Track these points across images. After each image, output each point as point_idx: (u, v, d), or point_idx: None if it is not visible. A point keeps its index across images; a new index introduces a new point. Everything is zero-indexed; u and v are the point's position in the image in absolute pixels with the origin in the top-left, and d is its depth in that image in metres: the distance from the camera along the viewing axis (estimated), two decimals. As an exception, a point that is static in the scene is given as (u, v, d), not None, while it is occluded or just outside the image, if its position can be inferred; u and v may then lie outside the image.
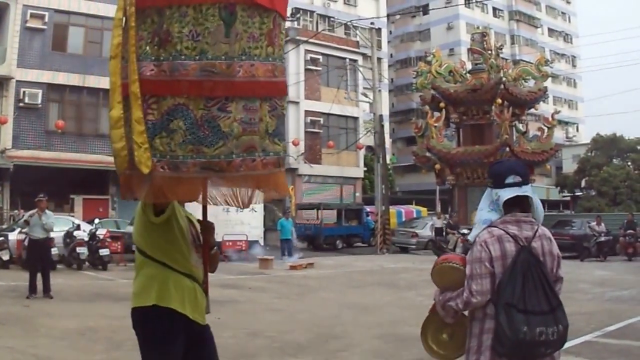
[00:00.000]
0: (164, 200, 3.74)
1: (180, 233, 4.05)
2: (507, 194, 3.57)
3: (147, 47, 3.41)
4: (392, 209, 36.47)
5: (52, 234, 20.86)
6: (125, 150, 3.36)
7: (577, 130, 75.86)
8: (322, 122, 42.10)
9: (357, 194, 44.13)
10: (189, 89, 3.37)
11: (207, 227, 4.24)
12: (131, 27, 3.41)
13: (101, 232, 22.01)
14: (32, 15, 31.12)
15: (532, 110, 35.05)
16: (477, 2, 63.61)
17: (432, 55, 32.92)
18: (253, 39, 3.50)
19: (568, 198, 56.60)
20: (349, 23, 42.82)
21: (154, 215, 3.90)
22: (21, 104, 30.64)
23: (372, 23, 39.45)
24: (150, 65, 3.38)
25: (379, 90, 38.26)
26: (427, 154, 31.41)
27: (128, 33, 3.41)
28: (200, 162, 3.40)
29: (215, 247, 4.39)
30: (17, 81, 30.61)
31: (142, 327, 4.04)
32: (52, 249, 19.36)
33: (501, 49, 33.30)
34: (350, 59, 43.15)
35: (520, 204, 3.58)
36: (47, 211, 14.70)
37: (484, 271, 3.47)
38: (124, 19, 3.46)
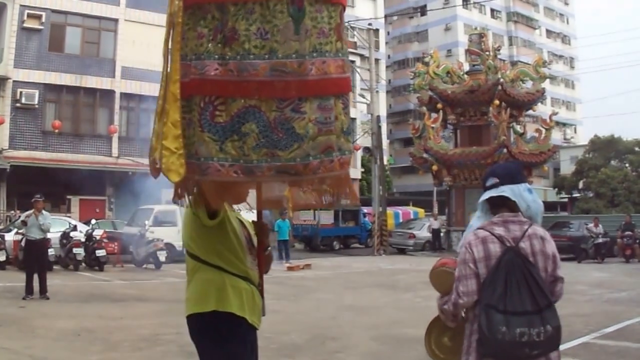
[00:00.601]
0: (218, 205, 3.69)
1: (234, 235, 3.94)
2: (484, 196, 3.66)
3: (210, 45, 3.27)
4: (389, 210, 36.49)
5: (48, 235, 21.06)
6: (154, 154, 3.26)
7: (575, 131, 75.92)
8: (319, 122, 41.97)
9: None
10: (259, 90, 3.24)
11: (263, 227, 4.17)
12: (177, 23, 3.28)
13: (98, 233, 22.02)
14: (29, 16, 31.03)
15: (530, 112, 35.14)
16: (475, 3, 63.58)
17: (429, 56, 33.02)
18: (323, 34, 3.37)
19: (565, 199, 56.62)
20: (346, 24, 42.67)
21: (208, 218, 3.78)
22: (18, 105, 30.57)
23: (369, 24, 39.58)
24: (214, 64, 3.24)
25: (377, 91, 38.24)
26: (425, 155, 31.51)
27: (174, 29, 3.29)
28: (276, 165, 3.27)
29: (269, 248, 4.33)
30: (13, 81, 30.54)
31: (202, 334, 3.92)
32: (49, 250, 19.44)
33: (499, 50, 33.36)
34: (347, 60, 43.02)
35: (507, 205, 3.58)
36: (44, 212, 14.60)
37: (469, 272, 3.48)
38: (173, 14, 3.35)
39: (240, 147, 3.24)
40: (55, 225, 23.19)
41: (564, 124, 70.85)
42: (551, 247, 3.50)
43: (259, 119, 3.23)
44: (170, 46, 3.31)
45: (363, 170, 44.96)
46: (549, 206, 54.45)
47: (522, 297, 3.33)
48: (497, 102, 29.19)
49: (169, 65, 3.31)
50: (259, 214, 4.18)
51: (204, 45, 3.26)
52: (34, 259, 14.47)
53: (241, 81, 3.22)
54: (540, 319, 3.30)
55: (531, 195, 3.59)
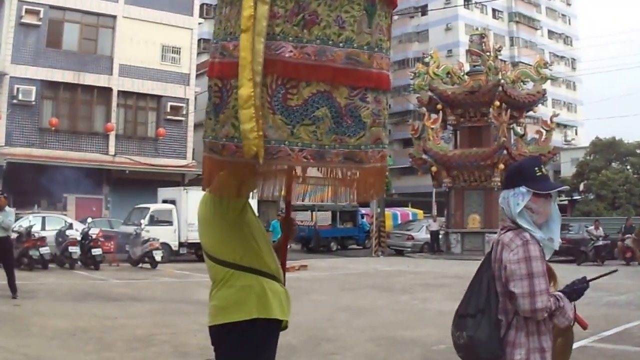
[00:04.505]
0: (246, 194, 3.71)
1: (261, 229, 3.92)
2: None
3: (285, 26, 3.23)
4: (388, 211, 36.37)
5: (44, 233, 21.01)
6: (255, 132, 3.11)
7: (576, 133, 75.71)
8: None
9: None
10: (335, 76, 3.26)
11: (291, 223, 4.22)
12: (264, 2, 3.19)
13: (94, 232, 21.96)
14: (27, 11, 30.86)
15: (531, 113, 35.10)
16: (476, 3, 63.41)
17: (430, 57, 32.97)
18: (382, 32, 3.47)
19: (566, 202, 56.42)
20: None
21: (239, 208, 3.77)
22: (15, 101, 30.44)
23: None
24: (289, 46, 3.22)
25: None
26: (424, 156, 31.43)
27: (257, 8, 3.19)
28: (344, 152, 3.31)
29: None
30: (10, 77, 30.37)
31: (238, 342, 3.74)
32: (43, 248, 19.33)
33: (500, 50, 33.30)
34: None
35: None
36: (7, 209, 13.94)
37: None
38: None
39: (313, 132, 3.24)
40: (51, 224, 23.43)
41: (565, 126, 70.64)
42: (508, 255, 3.32)
43: (332, 104, 3.26)
44: (256, 24, 3.19)
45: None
46: (549, 208, 54.38)
47: (464, 300, 3.42)
48: (497, 103, 29.15)
49: (253, 44, 3.19)
50: (288, 208, 4.24)
51: (279, 26, 3.22)
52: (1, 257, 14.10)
53: (317, 65, 3.23)
54: (462, 323, 3.35)
55: (514, 199, 3.43)
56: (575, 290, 3.48)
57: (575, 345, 9.09)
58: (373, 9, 3.37)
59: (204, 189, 3.70)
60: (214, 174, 3.48)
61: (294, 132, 3.21)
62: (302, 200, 4.11)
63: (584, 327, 3.61)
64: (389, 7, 3.56)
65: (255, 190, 3.84)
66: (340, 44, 3.26)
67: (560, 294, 3.38)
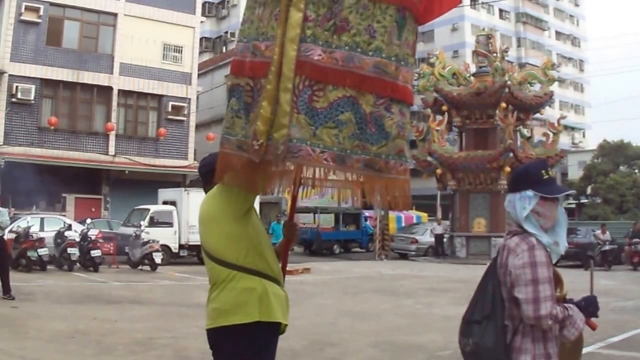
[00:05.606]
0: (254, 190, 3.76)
1: (263, 232, 3.96)
2: None
3: (316, 30, 3.32)
4: (392, 214, 36.07)
5: (43, 234, 20.82)
6: (264, 134, 3.27)
7: (584, 136, 75.50)
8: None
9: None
10: (361, 83, 3.32)
11: (294, 227, 4.24)
12: (299, 9, 3.29)
13: (93, 233, 21.90)
14: (26, 8, 30.68)
15: (538, 115, 34.95)
16: (483, 3, 63.10)
17: (435, 57, 32.84)
18: (409, 47, 3.52)
19: (573, 205, 56.21)
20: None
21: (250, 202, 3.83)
22: (13, 99, 30.29)
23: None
24: (318, 49, 3.29)
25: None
26: (429, 158, 31.45)
27: (290, 11, 3.31)
28: (365, 158, 3.35)
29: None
30: (9, 75, 30.21)
31: (239, 346, 3.73)
32: (41, 249, 19.11)
33: (507, 51, 33.18)
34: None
35: None
36: (0, 208, 13.98)
37: None
38: None
39: (335, 135, 3.30)
40: (49, 224, 23.27)
41: (573, 128, 70.38)
42: (514, 260, 3.26)
43: (357, 110, 3.32)
44: (290, 31, 3.30)
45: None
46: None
47: (470, 306, 3.38)
48: (504, 104, 29.05)
49: (286, 46, 3.30)
50: (292, 211, 4.29)
51: (310, 29, 3.30)
52: None
53: (345, 71, 3.30)
54: (468, 330, 3.32)
55: (521, 202, 3.36)
56: (591, 304, 3.48)
57: (582, 352, 8.83)
58: (403, 21, 3.41)
59: (216, 182, 3.74)
60: (232, 169, 3.53)
61: (317, 133, 3.27)
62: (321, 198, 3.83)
63: (593, 328, 3.57)
64: (415, 23, 3.56)
65: (270, 189, 3.83)
66: (370, 53, 3.31)
67: (570, 305, 3.35)
